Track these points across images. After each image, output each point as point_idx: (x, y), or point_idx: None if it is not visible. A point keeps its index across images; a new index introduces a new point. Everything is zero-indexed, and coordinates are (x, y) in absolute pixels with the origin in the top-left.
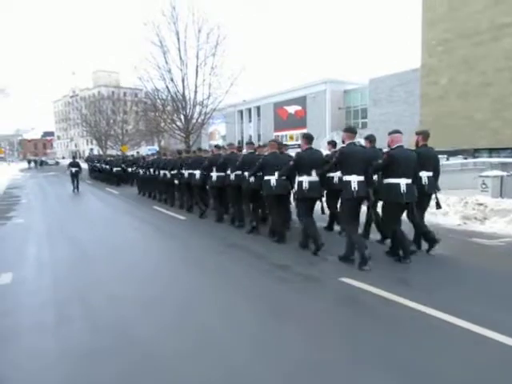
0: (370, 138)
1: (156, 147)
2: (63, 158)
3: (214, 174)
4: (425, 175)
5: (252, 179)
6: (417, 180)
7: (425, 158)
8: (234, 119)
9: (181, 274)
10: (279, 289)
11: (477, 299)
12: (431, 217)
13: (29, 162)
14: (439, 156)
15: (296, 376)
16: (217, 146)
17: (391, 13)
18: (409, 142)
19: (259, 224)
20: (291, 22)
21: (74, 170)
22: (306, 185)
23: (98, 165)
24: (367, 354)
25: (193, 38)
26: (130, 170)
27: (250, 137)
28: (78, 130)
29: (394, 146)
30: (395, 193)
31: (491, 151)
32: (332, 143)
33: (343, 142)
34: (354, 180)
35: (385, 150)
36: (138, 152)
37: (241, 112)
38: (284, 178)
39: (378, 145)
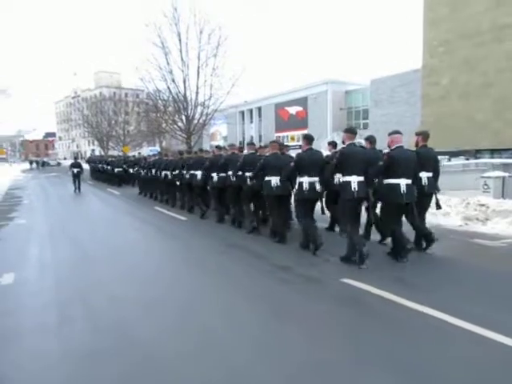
0: (371, 139)
1: (157, 148)
2: (65, 158)
3: (215, 175)
4: (425, 176)
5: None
6: (417, 180)
7: (425, 159)
8: (235, 120)
9: (182, 275)
10: (281, 290)
11: (478, 300)
12: (432, 217)
13: (30, 162)
14: (441, 157)
15: (298, 377)
16: (218, 147)
17: (392, 13)
18: (408, 142)
19: (260, 225)
20: (292, 23)
21: (75, 170)
22: (306, 185)
23: (99, 165)
24: (369, 355)
25: (194, 39)
26: (131, 170)
27: (252, 137)
28: (79, 131)
29: (393, 147)
30: (395, 193)
31: (493, 152)
32: (332, 144)
33: (343, 142)
34: (354, 180)
35: (385, 150)
36: (139, 153)
37: (242, 113)
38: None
39: (379, 146)
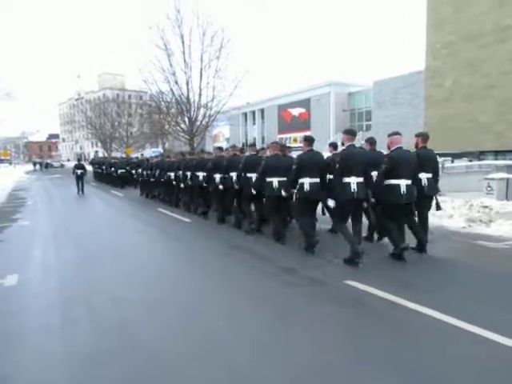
0: (371, 141)
1: (160, 149)
2: (68, 160)
3: (218, 176)
4: (424, 177)
5: (254, 180)
6: (416, 181)
7: (424, 160)
8: (238, 121)
9: (186, 277)
10: (285, 292)
11: (480, 301)
12: (436, 219)
13: (34, 164)
14: (444, 158)
15: (302, 379)
16: (219, 148)
17: (396, 15)
18: (408, 143)
19: (262, 225)
20: (296, 25)
21: (79, 172)
22: (307, 186)
23: (103, 167)
24: (373, 357)
25: (197, 41)
26: (134, 172)
27: (254, 139)
28: (83, 133)
29: (393, 148)
30: (395, 193)
31: (497, 154)
32: (333, 145)
33: (343, 144)
34: (354, 181)
35: (385, 152)
36: (142, 154)
37: (245, 114)
38: (285, 179)
39: (383, 147)
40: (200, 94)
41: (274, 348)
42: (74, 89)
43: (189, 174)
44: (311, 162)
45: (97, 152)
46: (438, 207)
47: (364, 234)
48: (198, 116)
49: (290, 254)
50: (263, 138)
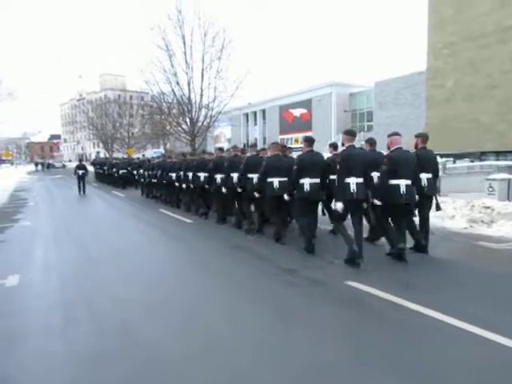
0: (371, 141)
1: (162, 150)
2: (70, 160)
3: (219, 177)
4: (424, 177)
5: (255, 180)
6: (417, 182)
7: (424, 161)
8: (239, 122)
9: (187, 277)
10: (285, 292)
11: (482, 302)
12: (438, 220)
13: (36, 164)
14: (446, 159)
15: (303, 380)
16: (220, 149)
17: (397, 16)
18: (409, 144)
19: (263, 226)
20: (297, 25)
21: (80, 172)
22: (307, 187)
23: (104, 168)
24: (374, 358)
25: (198, 41)
26: (135, 172)
27: (256, 140)
28: (84, 133)
29: (393, 148)
30: (395, 194)
31: (498, 154)
32: (333, 145)
33: (343, 144)
34: (353, 182)
35: (385, 152)
36: (143, 155)
37: (246, 115)
38: (286, 179)
39: (383, 148)
40: (201, 95)
41: (274, 348)
42: (76, 89)
43: (190, 174)
44: (311, 163)
45: (98, 153)
46: (438, 207)
47: (365, 234)
48: (200, 117)
49: (291, 255)
50: (265, 139)
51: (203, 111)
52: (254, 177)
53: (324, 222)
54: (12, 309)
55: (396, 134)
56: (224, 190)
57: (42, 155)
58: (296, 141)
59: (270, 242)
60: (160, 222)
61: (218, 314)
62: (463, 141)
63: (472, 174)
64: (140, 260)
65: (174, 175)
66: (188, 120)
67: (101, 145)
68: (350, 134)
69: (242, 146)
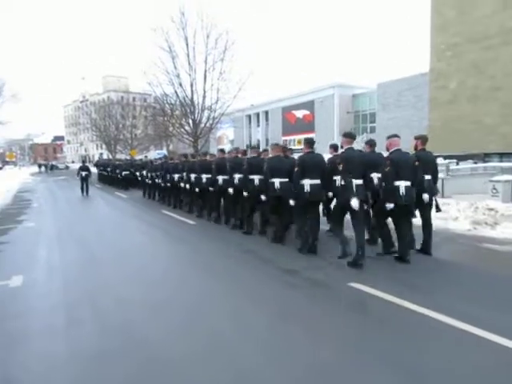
0: (370, 143)
1: (165, 151)
2: (73, 162)
3: (221, 178)
4: (424, 178)
5: (256, 181)
6: (421, 183)
7: (424, 162)
8: (242, 124)
9: (189, 278)
10: (287, 293)
11: (487, 304)
12: (441, 222)
13: (39, 166)
14: (449, 160)
15: (305, 380)
16: (222, 150)
17: (400, 17)
18: (412, 146)
19: (265, 226)
20: (300, 27)
21: (83, 173)
22: (307, 188)
23: (108, 169)
24: (376, 359)
25: (201, 43)
26: (138, 173)
27: (258, 141)
28: (87, 135)
29: (392, 150)
30: (394, 195)
31: (502, 156)
32: (333, 147)
33: (341, 146)
34: (353, 184)
35: (385, 153)
36: (145, 156)
37: (249, 116)
38: (287, 180)
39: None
40: (204, 96)
41: (277, 349)
42: (79, 91)
43: (192, 176)
44: (312, 164)
45: (101, 154)
46: (438, 209)
47: (366, 236)
48: (202, 118)
49: (293, 256)
50: (267, 140)
51: (206, 113)
52: (256, 178)
53: (324, 223)
54: (16, 309)
55: (395, 135)
56: (231, 190)
57: (46, 157)
58: (299, 142)
59: (274, 244)
60: (163, 223)
61: (220, 315)
62: (466, 142)
63: (475, 175)
64: (143, 261)
65: (176, 176)
66: (191, 121)
67: (104, 146)
68: (349, 136)
69: (244, 148)
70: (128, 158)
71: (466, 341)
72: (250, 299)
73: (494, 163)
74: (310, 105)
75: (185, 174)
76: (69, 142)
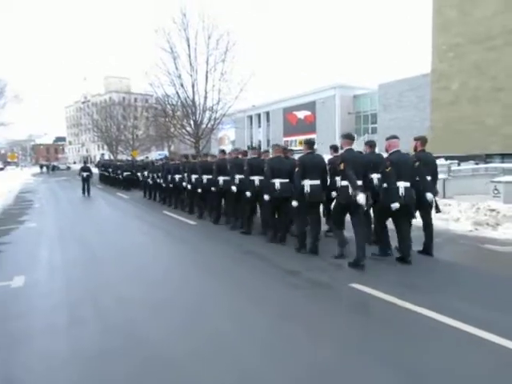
0: (370, 144)
1: (166, 152)
2: (74, 162)
3: (221, 178)
4: (426, 179)
5: (257, 182)
6: (415, 184)
7: (424, 163)
8: (243, 124)
9: (190, 278)
10: (289, 294)
11: (488, 305)
12: (443, 223)
13: (41, 166)
14: (450, 161)
15: (307, 380)
16: (222, 151)
17: (401, 18)
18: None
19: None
20: (301, 28)
21: (85, 174)
22: (307, 188)
23: (109, 170)
24: (377, 359)
25: (203, 44)
26: (139, 174)
27: (260, 142)
28: (89, 135)
29: (391, 151)
30: (393, 196)
31: (504, 157)
32: (334, 147)
33: (341, 147)
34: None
35: (384, 154)
36: (146, 157)
37: (250, 117)
38: (288, 181)
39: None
40: (205, 97)
41: (279, 349)
42: (81, 92)
43: (193, 177)
44: (312, 164)
45: (103, 155)
46: (438, 209)
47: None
48: (204, 119)
49: (295, 257)
50: (268, 141)
51: (207, 113)
52: (256, 179)
53: (323, 223)
54: (17, 309)
55: (394, 137)
56: (234, 188)
57: (47, 157)
58: (300, 143)
59: (275, 244)
60: (164, 223)
61: (221, 315)
62: (468, 143)
63: (477, 176)
64: (144, 261)
65: (177, 177)
66: (192, 122)
67: (105, 147)
68: (349, 137)
69: (246, 149)
70: (129, 158)
71: (466, 341)
72: (251, 299)
73: (496, 164)
74: (311, 105)
75: (186, 174)
76: (70, 142)
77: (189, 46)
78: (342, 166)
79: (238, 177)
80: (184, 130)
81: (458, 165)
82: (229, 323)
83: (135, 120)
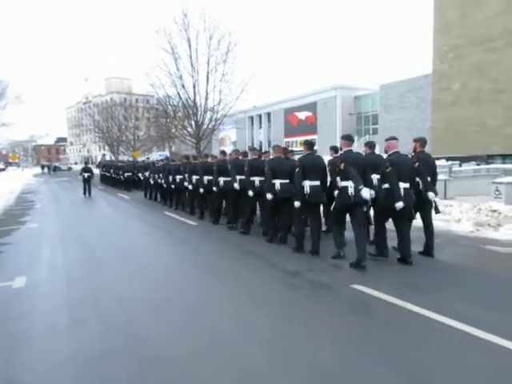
0: (370, 144)
1: (167, 153)
2: (76, 163)
3: (222, 179)
4: (427, 179)
5: (257, 183)
6: (414, 185)
7: (423, 164)
8: (244, 125)
9: (191, 278)
10: (290, 295)
11: (489, 306)
12: (444, 223)
13: (42, 167)
14: (452, 162)
15: (308, 381)
16: (223, 152)
17: (403, 19)
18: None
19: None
20: (302, 28)
21: (86, 175)
22: (307, 189)
23: (111, 170)
24: (378, 360)
25: (204, 44)
26: (140, 175)
27: (261, 143)
28: (90, 136)
29: (390, 152)
30: (392, 197)
31: (505, 157)
32: (334, 148)
33: (340, 149)
34: (351, 186)
35: (384, 155)
36: (148, 158)
37: (251, 118)
38: (288, 181)
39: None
40: (207, 98)
41: (279, 350)
42: (82, 92)
43: (194, 178)
44: (311, 165)
45: (104, 155)
46: (437, 210)
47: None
48: (205, 119)
49: (296, 257)
50: (269, 142)
51: (208, 114)
52: (256, 179)
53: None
54: (19, 310)
55: (393, 138)
56: (236, 185)
57: (49, 158)
58: (301, 144)
59: (277, 245)
60: (165, 224)
61: (222, 315)
62: (469, 144)
63: (478, 177)
64: (145, 261)
65: (178, 178)
66: (193, 123)
67: (106, 148)
68: (348, 138)
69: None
70: (130, 159)
71: (468, 342)
72: (252, 300)
73: (497, 165)
74: (312, 106)
75: (187, 175)
76: (72, 143)
77: (190, 46)
78: (342, 166)
79: (238, 178)
80: (185, 131)
81: (460, 166)
82: (229, 323)
83: (136, 121)
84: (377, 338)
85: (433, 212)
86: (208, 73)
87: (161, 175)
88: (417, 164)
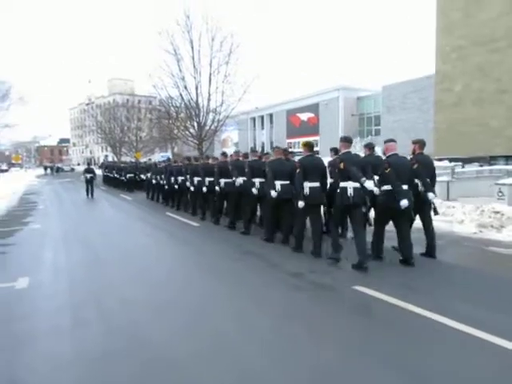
0: (369, 146)
1: (169, 154)
2: (78, 164)
3: (223, 181)
4: (427, 181)
5: (257, 184)
6: (413, 186)
7: (422, 166)
8: (246, 126)
9: (194, 279)
10: (292, 296)
11: (492, 308)
12: (447, 225)
13: (45, 168)
14: (454, 163)
15: (309, 382)
16: (224, 154)
17: (405, 19)
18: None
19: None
20: (304, 30)
21: (88, 176)
22: (306, 190)
23: (113, 171)
24: (380, 361)
25: (206, 46)
26: (142, 176)
27: (263, 144)
28: (93, 137)
29: (388, 154)
30: (392, 198)
31: (508, 159)
32: (334, 150)
33: (340, 150)
34: (350, 186)
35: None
36: (149, 159)
37: (253, 119)
38: (288, 182)
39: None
40: (209, 99)
41: (281, 350)
42: (85, 94)
43: (196, 179)
44: (311, 167)
45: (106, 156)
46: (436, 212)
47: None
48: (207, 121)
49: (298, 259)
50: (272, 143)
51: (211, 115)
52: (257, 181)
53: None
54: (21, 311)
55: (391, 140)
56: (240, 180)
57: (52, 159)
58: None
59: (279, 246)
60: (167, 225)
61: (224, 316)
62: (472, 145)
63: (481, 178)
64: (147, 262)
65: (179, 179)
66: (195, 124)
67: (109, 148)
68: (347, 140)
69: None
70: (133, 160)
71: (470, 344)
72: (254, 301)
73: (500, 166)
74: (314, 107)
75: (188, 176)
76: (74, 144)
77: (192, 48)
78: (341, 166)
79: (240, 179)
80: (187, 132)
81: (462, 167)
82: (232, 325)
83: (139, 122)
84: (379, 340)
85: (432, 213)
86: (210, 74)
87: (163, 176)
88: (415, 166)
